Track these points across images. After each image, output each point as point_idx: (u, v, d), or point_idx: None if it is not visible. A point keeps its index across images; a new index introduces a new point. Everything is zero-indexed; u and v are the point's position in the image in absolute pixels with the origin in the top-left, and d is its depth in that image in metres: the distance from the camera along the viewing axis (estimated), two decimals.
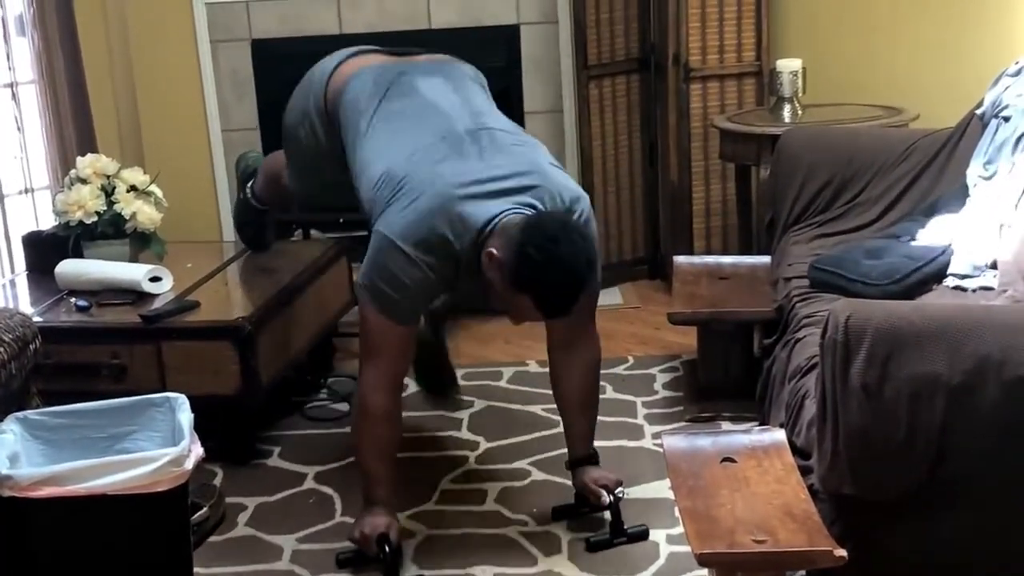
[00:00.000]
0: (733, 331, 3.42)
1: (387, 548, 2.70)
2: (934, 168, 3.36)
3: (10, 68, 4.37)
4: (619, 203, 4.66)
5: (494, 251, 2.58)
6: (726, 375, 3.46)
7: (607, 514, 2.83)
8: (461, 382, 3.76)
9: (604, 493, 2.82)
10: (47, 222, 4.19)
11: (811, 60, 4.07)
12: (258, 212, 3.72)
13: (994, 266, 2.83)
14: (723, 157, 4.19)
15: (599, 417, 2.97)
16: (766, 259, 3.61)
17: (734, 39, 4.36)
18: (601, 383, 2.99)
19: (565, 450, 2.96)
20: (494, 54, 4.70)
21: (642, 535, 2.80)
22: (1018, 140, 2.91)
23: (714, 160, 4.35)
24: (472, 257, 2.63)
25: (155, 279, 3.47)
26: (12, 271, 4.08)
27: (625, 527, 2.80)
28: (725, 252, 4.35)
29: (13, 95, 4.37)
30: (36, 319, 3.12)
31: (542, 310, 2.61)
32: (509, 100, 4.79)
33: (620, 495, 2.83)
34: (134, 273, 3.46)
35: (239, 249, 3.97)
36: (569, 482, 2.96)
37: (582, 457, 2.93)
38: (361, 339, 2.75)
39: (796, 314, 2.93)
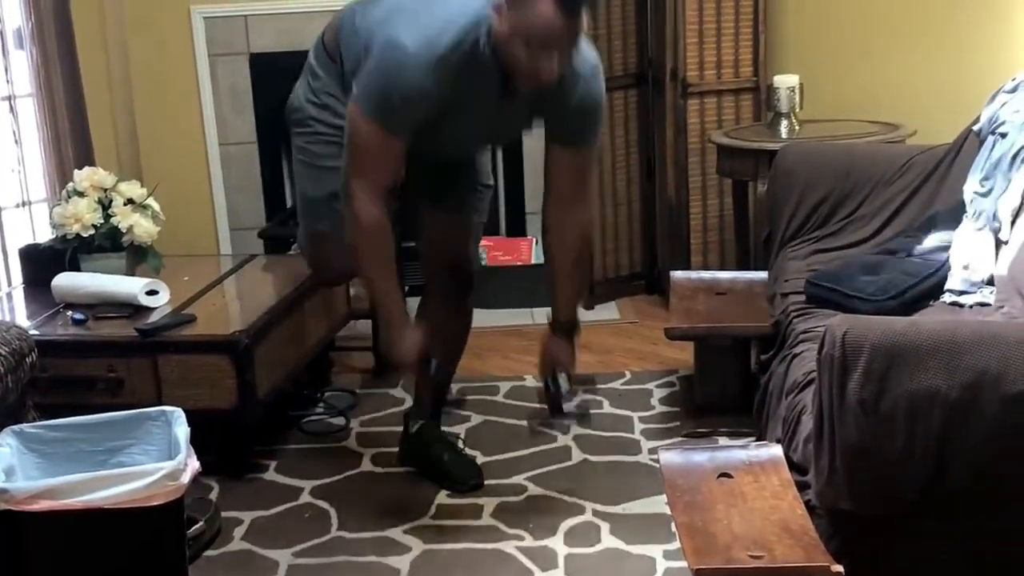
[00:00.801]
0: (730, 346, 3.42)
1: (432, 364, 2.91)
2: (931, 184, 3.36)
3: (8, 81, 4.37)
4: (616, 217, 4.66)
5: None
6: (723, 390, 3.45)
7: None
8: (458, 398, 3.76)
9: (547, 374, 3.01)
10: (44, 235, 4.19)
11: (808, 76, 4.08)
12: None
13: (991, 282, 2.83)
14: (720, 172, 4.19)
15: (594, 431, 2.98)
16: (763, 274, 3.61)
17: (732, 55, 4.37)
18: (597, 398, 3.00)
19: (562, 464, 2.96)
20: None
21: (584, 416, 2.92)
22: (1014, 157, 2.92)
23: (711, 175, 4.36)
24: (488, 52, 2.66)
25: (152, 292, 3.47)
26: (9, 284, 4.07)
27: (564, 408, 2.98)
28: (722, 267, 4.35)
29: (11, 108, 4.37)
30: (32, 332, 3.12)
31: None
32: None
33: (562, 386, 2.96)
34: (131, 286, 3.45)
35: (236, 262, 3.96)
36: (565, 496, 2.95)
37: (561, 323, 3.07)
38: (349, 153, 2.79)
39: (793, 329, 2.93)
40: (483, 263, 4.69)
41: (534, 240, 4.79)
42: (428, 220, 3.23)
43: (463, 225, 3.25)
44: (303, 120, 3.15)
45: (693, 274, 3.84)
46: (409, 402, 3.66)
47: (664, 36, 4.41)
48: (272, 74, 4.67)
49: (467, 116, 2.80)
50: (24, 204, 4.36)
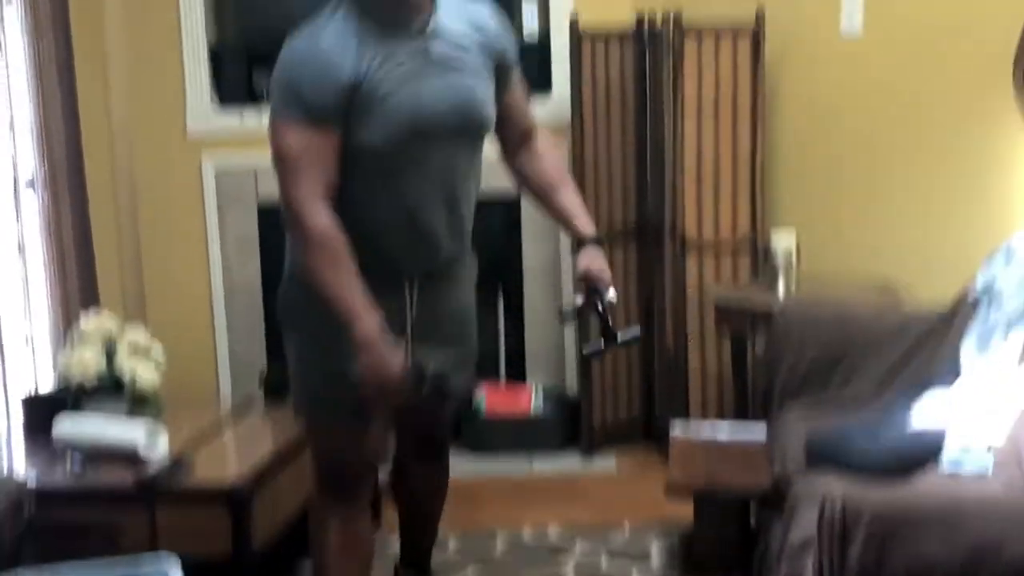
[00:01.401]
0: (730, 503, 3.41)
1: (423, 375, 2.55)
2: (928, 347, 3.39)
3: (18, 221, 4.44)
4: (615, 364, 4.69)
5: None
6: (723, 548, 3.44)
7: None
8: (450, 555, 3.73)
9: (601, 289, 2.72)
10: (47, 375, 4.21)
11: (806, 232, 4.15)
12: None
13: (989, 451, 2.84)
14: (718, 328, 4.24)
15: None
16: (762, 427, 3.62)
17: (730, 210, 4.45)
18: (595, 554, 2.96)
19: None
20: (494, 220, 4.79)
21: (634, 340, 2.82)
22: (1010, 323, 2.96)
23: (710, 328, 4.40)
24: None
25: (151, 440, 3.47)
26: (9, 429, 4.08)
27: (616, 333, 2.74)
28: (721, 415, 4.36)
29: (20, 249, 4.43)
30: (30, 481, 3.12)
31: None
32: (508, 263, 4.88)
33: (611, 300, 2.73)
34: (130, 434, 3.45)
35: (236, 406, 3.98)
36: None
37: (587, 237, 2.79)
38: (279, 167, 2.53)
39: (793, 489, 2.93)
40: (482, 414, 4.70)
41: (534, 387, 4.81)
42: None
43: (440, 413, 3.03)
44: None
45: (692, 427, 3.85)
46: None
47: (663, 191, 4.50)
48: (280, 225, 4.73)
49: (403, 83, 2.53)
50: (28, 346, 4.39)
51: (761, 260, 4.35)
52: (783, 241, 4.07)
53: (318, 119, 2.49)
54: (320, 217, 2.51)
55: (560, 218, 2.86)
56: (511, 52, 2.74)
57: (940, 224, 4.08)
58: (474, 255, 2.90)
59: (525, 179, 2.89)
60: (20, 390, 4.14)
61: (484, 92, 2.65)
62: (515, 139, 2.86)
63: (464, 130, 2.63)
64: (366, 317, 2.50)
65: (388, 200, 2.61)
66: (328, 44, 2.51)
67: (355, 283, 2.52)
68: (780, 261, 4.07)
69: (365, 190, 2.59)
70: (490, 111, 2.67)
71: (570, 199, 2.86)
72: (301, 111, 2.48)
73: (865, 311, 3.72)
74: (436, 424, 3.09)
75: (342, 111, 2.50)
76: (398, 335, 2.61)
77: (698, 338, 4.49)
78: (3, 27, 4.33)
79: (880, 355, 3.47)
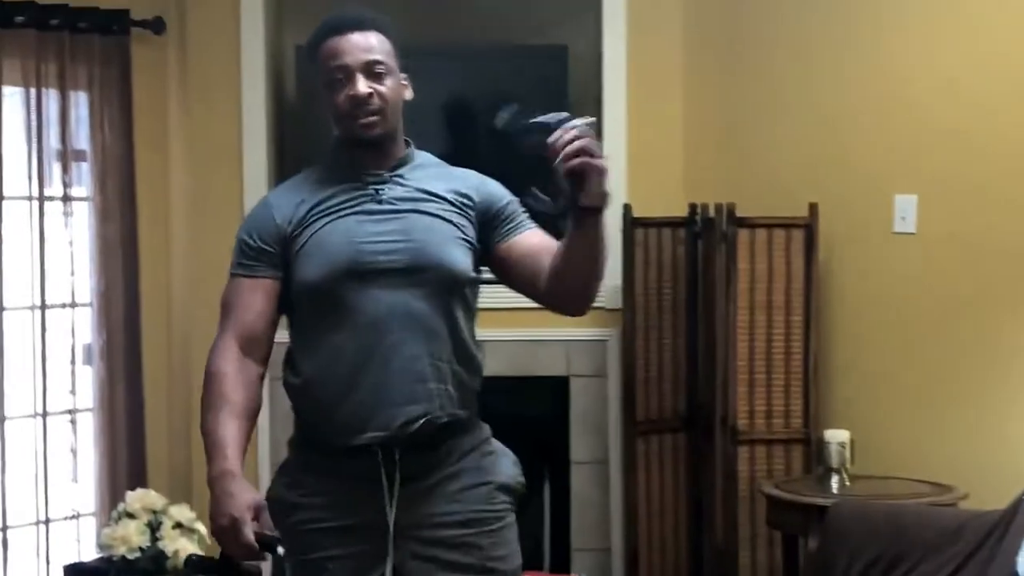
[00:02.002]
0: None
1: (277, 550, 2.16)
2: (983, 553, 3.30)
3: (72, 393, 4.50)
4: (663, 559, 4.58)
5: None
6: None
7: None
8: None
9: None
10: (89, 549, 4.20)
11: (859, 430, 4.08)
12: None
13: None
14: (770, 524, 4.15)
15: None
16: None
17: (782, 405, 4.41)
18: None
19: None
20: (543, 404, 4.78)
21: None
22: None
23: (761, 525, 4.31)
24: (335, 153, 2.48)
25: None
26: None
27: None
28: None
29: (72, 421, 4.48)
30: None
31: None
32: (556, 450, 4.83)
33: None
34: None
35: None
36: None
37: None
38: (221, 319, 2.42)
39: None
40: None
41: None
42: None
43: None
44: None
45: None
46: None
47: (714, 382, 4.47)
48: None
49: (340, 223, 2.40)
50: (73, 517, 4.39)
51: (814, 454, 4.28)
52: (836, 437, 4.01)
53: (247, 264, 2.42)
54: (218, 355, 2.37)
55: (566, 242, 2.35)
56: (502, 197, 2.49)
57: (996, 424, 4.02)
58: (501, 455, 2.51)
59: (555, 273, 2.38)
60: (62, 558, 4.14)
61: (447, 238, 2.42)
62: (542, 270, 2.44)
63: (415, 275, 2.37)
64: (219, 458, 2.26)
65: (329, 348, 2.39)
66: (274, 196, 2.52)
67: (230, 424, 2.30)
68: (834, 458, 4.00)
69: (305, 335, 2.44)
70: (453, 259, 2.40)
71: None
72: (238, 261, 2.44)
73: (920, 513, 3.64)
74: None
75: (275, 255, 2.41)
76: (376, 542, 2.35)
77: (749, 533, 4.40)
78: (71, 207, 4.47)
79: (936, 560, 3.38)
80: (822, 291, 4.42)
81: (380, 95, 2.38)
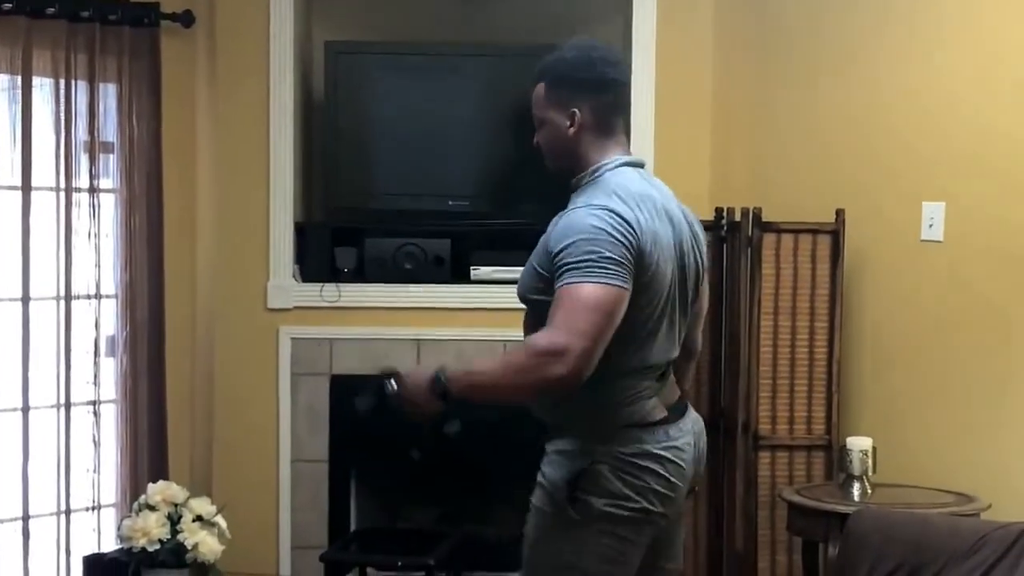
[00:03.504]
0: None
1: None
2: (1006, 564, 3.27)
3: (96, 385, 4.51)
4: (683, 569, 4.55)
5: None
6: None
7: None
8: None
9: None
10: (109, 540, 4.21)
11: (882, 438, 4.06)
12: None
13: None
14: (790, 530, 4.13)
15: None
16: None
17: (804, 411, 4.39)
18: None
19: None
20: None
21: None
22: None
23: (781, 531, 4.29)
24: None
25: None
26: None
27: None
28: None
29: (95, 412, 4.49)
30: None
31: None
32: None
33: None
34: None
35: None
36: None
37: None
38: (558, 324, 2.50)
39: None
40: None
41: None
42: None
43: None
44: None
45: None
46: None
47: (737, 386, 4.45)
48: (351, 396, 4.75)
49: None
50: (94, 508, 4.40)
51: (836, 461, 4.26)
52: (859, 444, 3.99)
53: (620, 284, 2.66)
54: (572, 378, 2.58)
55: None
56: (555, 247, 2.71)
57: (1022, 435, 3.98)
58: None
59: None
60: (82, 548, 4.15)
61: (528, 272, 2.75)
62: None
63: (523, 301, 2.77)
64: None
65: None
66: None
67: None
68: (856, 466, 3.98)
69: None
70: (524, 289, 2.76)
71: None
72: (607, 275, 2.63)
73: (942, 523, 3.61)
74: None
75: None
76: None
77: (769, 539, 4.37)
78: (98, 199, 4.49)
79: (957, 570, 3.36)
80: (847, 297, 4.40)
81: (540, 145, 2.79)
